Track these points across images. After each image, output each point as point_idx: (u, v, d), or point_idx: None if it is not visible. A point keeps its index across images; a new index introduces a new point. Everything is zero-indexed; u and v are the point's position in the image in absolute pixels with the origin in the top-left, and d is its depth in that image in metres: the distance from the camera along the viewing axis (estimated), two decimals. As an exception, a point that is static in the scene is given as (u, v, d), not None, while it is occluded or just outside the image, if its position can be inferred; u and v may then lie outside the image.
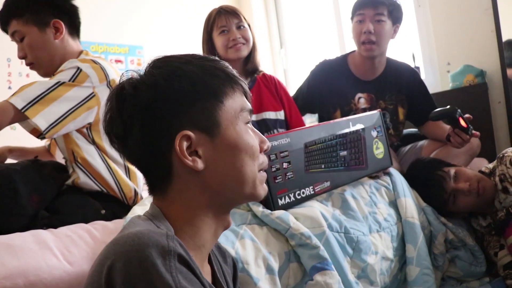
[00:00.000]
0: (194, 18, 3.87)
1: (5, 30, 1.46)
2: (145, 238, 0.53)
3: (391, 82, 1.90)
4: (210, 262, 0.76)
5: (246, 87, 0.73)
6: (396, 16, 1.82)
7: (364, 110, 1.86)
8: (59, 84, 1.31)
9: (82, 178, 1.39)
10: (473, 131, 1.56)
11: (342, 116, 1.83)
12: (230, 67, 0.71)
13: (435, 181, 1.48)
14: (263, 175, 0.73)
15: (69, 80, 1.33)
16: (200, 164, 0.65)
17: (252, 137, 0.71)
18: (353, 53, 1.93)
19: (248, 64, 1.79)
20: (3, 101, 1.25)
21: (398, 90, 1.91)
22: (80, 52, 1.49)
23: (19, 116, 1.24)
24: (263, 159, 0.73)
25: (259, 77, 1.84)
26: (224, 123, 0.67)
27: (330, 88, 1.87)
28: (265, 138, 0.74)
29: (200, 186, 0.67)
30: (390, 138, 1.94)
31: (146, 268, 0.50)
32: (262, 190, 0.73)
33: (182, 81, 0.64)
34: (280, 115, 1.81)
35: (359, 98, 1.87)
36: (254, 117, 1.76)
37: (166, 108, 0.64)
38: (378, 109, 1.50)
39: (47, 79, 1.37)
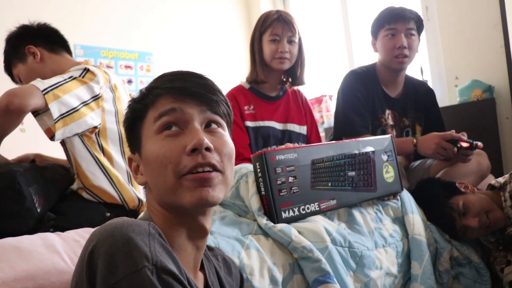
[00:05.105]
0: (204, 25, 3.92)
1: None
2: (130, 221, 0.58)
3: (411, 100, 1.92)
4: (203, 270, 0.77)
5: (171, 86, 0.70)
6: (421, 30, 1.84)
7: (392, 126, 1.87)
8: (72, 78, 1.37)
9: (85, 195, 1.45)
10: (477, 143, 1.56)
11: (372, 129, 1.84)
12: (162, 78, 0.74)
13: (443, 218, 1.45)
14: (192, 177, 0.65)
15: (79, 76, 1.39)
16: (140, 180, 0.73)
17: (160, 144, 0.67)
18: (377, 65, 1.92)
19: (288, 76, 1.87)
20: (25, 85, 1.30)
21: (417, 109, 1.93)
22: (78, 64, 1.54)
23: (41, 100, 1.27)
24: (185, 162, 0.65)
25: (290, 89, 1.91)
26: (143, 139, 0.71)
27: (365, 100, 1.83)
28: (195, 138, 0.66)
29: (152, 197, 0.72)
30: (408, 157, 1.94)
31: (127, 241, 0.54)
32: (190, 197, 0.65)
33: (125, 114, 0.76)
34: (303, 130, 1.87)
35: (388, 114, 1.88)
36: (280, 126, 1.82)
37: (126, 135, 0.77)
38: (390, 134, 1.49)
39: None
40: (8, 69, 1.58)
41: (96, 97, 1.41)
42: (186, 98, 0.69)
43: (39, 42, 1.53)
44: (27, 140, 2.72)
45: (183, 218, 0.70)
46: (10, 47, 1.54)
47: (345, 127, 1.81)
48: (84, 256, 0.55)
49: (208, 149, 0.67)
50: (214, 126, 0.72)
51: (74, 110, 1.33)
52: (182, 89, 0.70)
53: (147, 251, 0.54)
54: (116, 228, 0.55)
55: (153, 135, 0.69)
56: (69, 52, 1.62)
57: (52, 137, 1.34)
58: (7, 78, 1.63)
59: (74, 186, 1.48)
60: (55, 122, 1.29)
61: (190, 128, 0.68)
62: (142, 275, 0.52)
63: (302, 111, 1.91)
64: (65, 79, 1.35)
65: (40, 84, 1.28)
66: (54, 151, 1.75)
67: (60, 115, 1.30)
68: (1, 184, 1.18)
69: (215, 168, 0.67)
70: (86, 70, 1.42)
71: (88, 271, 0.54)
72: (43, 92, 1.27)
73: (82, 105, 1.36)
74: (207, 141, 0.66)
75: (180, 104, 0.69)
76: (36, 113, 1.31)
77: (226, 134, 0.73)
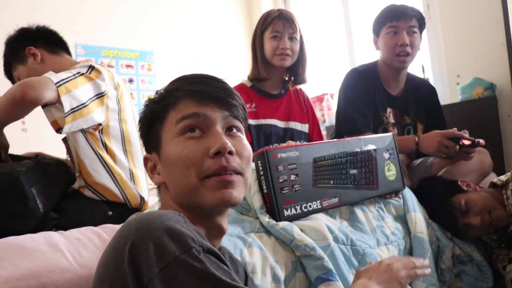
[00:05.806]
0: (205, 24, 3.92)
1: None
2: (161, 212, 0.59)
3: (413, 98, 1.92)
4: None
5: (196, 89, 0.72)
6: (422, 28, 1.84)
7: (394, 124, 1.87)
8: (80, 74, 1.38)
9: (87, 193, 1.45)
10: (479, 140, 1.56)
11: (374, 127, 1.83)
12: (181, 80, 0.75)
13: (445, 217, 1.45)
14: (216, 180, 0.68)
15: (86, 73, 1.40)
16: (157, 179, 0.75)
17: (182, 146, 0.69)
18: (379, 63, 1.91)
19: (290, 74, 1.87)
20: (39, 77, 1.29)
21: (419, 107, 1.93)
22: (78, 63, 1.54)
23: (55, 93, 1.27)
24: (208, 164, 0.68)
25: (292, 88, 1.92)
26: (163, 140, 0.73)
27: (367, 99, 1.83)
28: (218, 142, 0.69)
29: (170, 197, 0.74)
30: (410, 155, 1.94)
31: (169, 229, 0.56)
32: (213, 197, 0.68)
33: (143, 114, 0.78)
34: (305, 128, 1.89)
35: (389, 112, 1.88)
36: (282, 124, 1.82)
37: (142, 134, 0.79)
38: (392, 132, 1.49)
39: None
40: (8, 72, 1.58)
41: (101, 95, 1.42)
42: (207, 101, 0.72)
43: (39, 43, 1.54)
44: (27, 140, 2.73)
45: (202, 218, 0.72)
46: (10, 50, 1.55)
47: (346, 125, 1.81)
48: (120, 251, 0.56)
49: (230, 152, 0.69)
50: (234, 130, 0.74)
51: (83, 105, 1.34)
52: (204, 93, 0.72)
53: (191, 234, 0.56)
54: (152, 220, 0.57)
55: (174, 136, 0.71)
56: (69, 53, 1.62)
57: (58, 130, 1.34)
58: (6, 81, 1.63)
59: (76, 185, 1.48)
60: (65, 116, 1.29)
61: (212, 131, 0.71)
62: (191, 255, 0.54)
63: (304, 109, 1.91)
64: (74, 74, 1.35)
65: (54, 76, 1.28)
66: (55, 151, 1.75)
67: (71, 109, 1.30)
68: (4, 185, 1.18)
69: (236, 171, 0.70)
70: (92, 67, 1.43)
71: (131, 262, 0.54)
72: (57, 85, 1.27)
73: (89, 101, 1.37)
74: (230, 145, 0.69)
75: (203, 109, 0.71)
76: (44, 104, 1.31)
77: (244, 137, 0.76)
